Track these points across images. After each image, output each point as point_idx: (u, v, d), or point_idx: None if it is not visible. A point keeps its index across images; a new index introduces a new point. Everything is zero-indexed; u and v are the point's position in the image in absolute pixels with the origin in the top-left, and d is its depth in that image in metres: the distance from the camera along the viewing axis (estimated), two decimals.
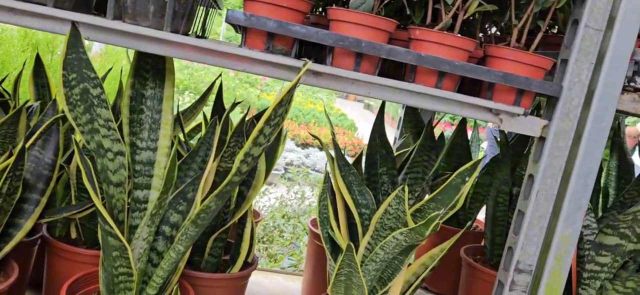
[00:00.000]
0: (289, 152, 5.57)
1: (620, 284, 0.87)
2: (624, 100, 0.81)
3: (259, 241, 2.68)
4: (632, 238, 0.85)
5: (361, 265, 0.83)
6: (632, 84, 0.81)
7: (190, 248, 0.95)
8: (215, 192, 0.73)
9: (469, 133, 1.58)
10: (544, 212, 0.82)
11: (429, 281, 1.45)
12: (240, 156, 0.71)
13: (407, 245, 0.80)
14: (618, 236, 0.86)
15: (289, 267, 2.33)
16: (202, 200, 0.80)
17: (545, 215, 0.82)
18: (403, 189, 0.78)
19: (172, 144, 0.85)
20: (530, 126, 0.81)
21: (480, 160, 0.82)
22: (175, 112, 0.95)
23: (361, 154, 1.20)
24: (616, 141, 1.31)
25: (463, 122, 1.32)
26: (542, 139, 0.82)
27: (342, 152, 0.95)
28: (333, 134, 1.03)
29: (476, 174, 0.81)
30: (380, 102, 1.16)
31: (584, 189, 0.80)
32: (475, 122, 1.59)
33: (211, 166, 0.84)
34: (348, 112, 9.92)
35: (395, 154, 1.42)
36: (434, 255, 0.93)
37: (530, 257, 0.83)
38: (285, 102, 0.71)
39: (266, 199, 3.40)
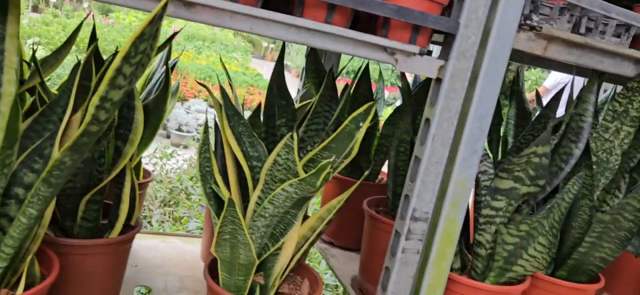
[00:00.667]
0: (202, 114, 5.36)
1: (514, 227, 0.87)
2: (520, 38, 0.78)
3: (165, 205, 2.54)
4: (526, 181, 0.84)
5: (251, 222, 0.76)
6: (528, 21, 0.78)
7: (55, 212, 0.83)
8: (67, 144, 0.61)
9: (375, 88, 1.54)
10: (440, 157, 0.78)
11: (335, 236, 1.42)
12: (95, 101, 0.59)
13: (298, 197, 0.74)
14: (512, 180, 0.84)
15: (196, 229, 2.23)
16: None
17: (442, 160, 0.79)
18: (291, 137, 0.71)
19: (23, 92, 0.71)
20: (427, 66, 0.76)
21: (373, 104, 0.77)
22: (29, 57, 0.81)
23: (259, 106, 1.12)
24: (515, 90, 1.32)
25: (366, 71, 1.27)
26: (438, 81, 0.77)
27: (232, 101, 0.87)
28: (231, 85, 0.94)
29: (370, 118, 0.76)
30: (300, 62, 1.08)
31: (480, 132, 0.78)
32: (380, 74, 1.55)
33: (71, 117, 0.72)
34: (264, 73, 9.72)
35: (299, 105, 1.35)
36: (331, 208, 0.87)
37: (427, 204, 0.80)
38: (147, 36, 0.60)
39: (174, 161, 3.24)
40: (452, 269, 0.96)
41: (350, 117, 0.76)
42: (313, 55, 1.28)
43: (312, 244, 0.87)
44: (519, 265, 0.90)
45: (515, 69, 1.47)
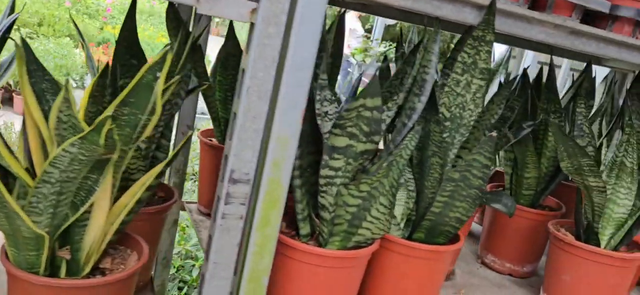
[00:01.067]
0: None
1: (354, 188, 0.81)
2: None
3: None
4: (361, 137, 0.78)
5: (35, 189, 0.66)
6: None
7: None
8: None
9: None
10: (258, 112, 0.71)
11: (206, 204, 1.34)
12: None
13: (86, 159, 0.65)
14: (347, 136, 0.78)
15: None
16: None
17: (260, 115, 0.71)
18: (67, 89, 0.61)
19: None
20: (235, 9, 0.68)
21: (167, 51, 0.68)
22: None
23: (107, 67, 1.01)
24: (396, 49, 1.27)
25: (231, 28, 1.18)
26: (253, 26, 0.69)
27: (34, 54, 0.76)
28: (83, 42, 0.82)
29: (167, 68, 0.67)
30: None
31: (300, 83, 0.70)
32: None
33: None
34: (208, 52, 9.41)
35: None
36: (154, 172, 0.79)
37: (246, 164, 0.72)
38: None
39: None
40: (300, 236, 0.90)
41: (145, 67, 0.67)
42: (171, 9, 1.17)
43: (131, 213, 0.78)
44: (364, 228, 0.85)
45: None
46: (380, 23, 7.28)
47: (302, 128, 0.87)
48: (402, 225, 0.95)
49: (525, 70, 1.41)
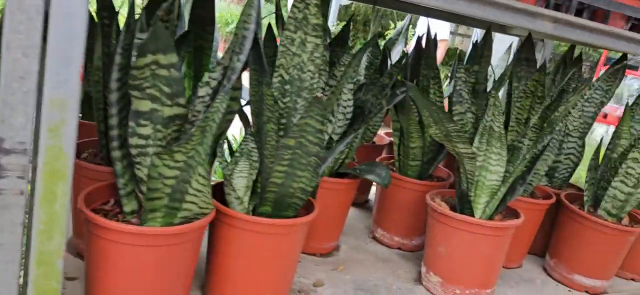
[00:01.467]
0: None
1: (169, 157, 0.73)
2: None
3: None
4: (165, 100, 0.70)
5: None
6: None
7: None
8: None
9: None
10: (26, 71, 0.62)
11: None
12: None
13: None
14: (148, 99, 0.70)
15: None
16: None
17: (29, 74, 0.62)
18: None
19: None
20: None
21: None
22: None
23: None
24: (279, 16, 1.19)
25: None
26: None
27: None
28: None
29: None
30: None
31: (72, 36, 0.62)
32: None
33: None
34: None
35: None
36: None
37: (19, 132, 0.63)
38: None
39: None
40: (125, 213, 0.82)
41: None
42: None
43: None
44: (189, 202, 0.77)
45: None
46: (335, 4, 7.20)
47: (121, 93, 0.79)
48: (245, 199, 0.88)
49: (419, 38, 1.35)
